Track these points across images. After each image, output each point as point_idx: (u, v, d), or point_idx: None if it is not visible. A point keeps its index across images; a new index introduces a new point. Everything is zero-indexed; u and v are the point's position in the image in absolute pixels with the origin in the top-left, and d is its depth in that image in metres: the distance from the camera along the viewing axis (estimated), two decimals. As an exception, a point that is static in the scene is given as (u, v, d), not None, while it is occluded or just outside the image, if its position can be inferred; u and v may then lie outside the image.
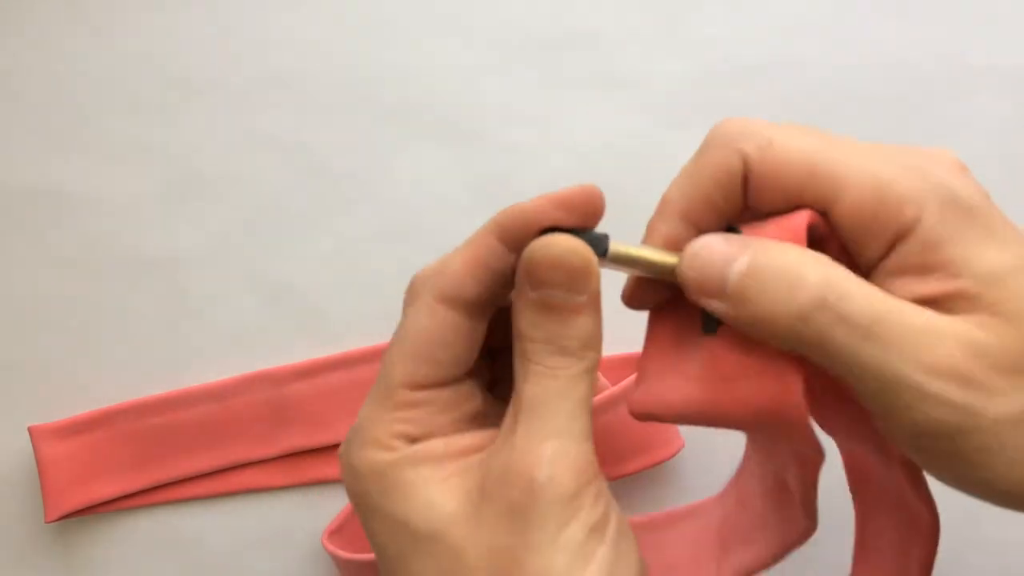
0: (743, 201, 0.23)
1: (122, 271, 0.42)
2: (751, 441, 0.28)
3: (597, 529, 0.20)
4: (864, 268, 0.22)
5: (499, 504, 0.20)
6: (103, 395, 0.41)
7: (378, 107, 0.42)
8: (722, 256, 0.21)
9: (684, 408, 0.22)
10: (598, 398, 0.37)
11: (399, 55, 0.43)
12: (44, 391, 0.41)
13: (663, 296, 0.24)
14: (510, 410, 0.22)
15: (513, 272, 0.22)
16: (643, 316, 0.25)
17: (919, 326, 0.19)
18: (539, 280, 0.21)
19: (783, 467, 0.25)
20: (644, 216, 0.24)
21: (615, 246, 0.22)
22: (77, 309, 0.41)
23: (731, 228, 0.23)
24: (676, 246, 0.23)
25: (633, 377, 0.29)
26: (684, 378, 0.22)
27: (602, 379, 0.38)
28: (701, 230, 0.23)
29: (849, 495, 0.27)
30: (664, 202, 0.23)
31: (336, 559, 0.38)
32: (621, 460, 0.38)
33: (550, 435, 0.21)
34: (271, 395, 0.40)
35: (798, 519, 0.25)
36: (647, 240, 0.23)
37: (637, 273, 0.23)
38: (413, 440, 0.22)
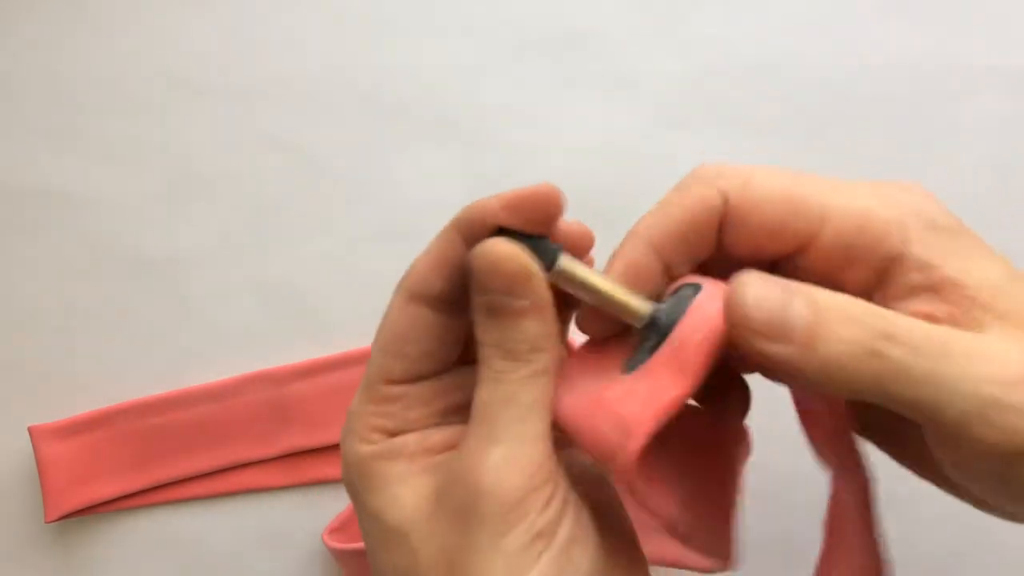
0: (714, 243, 0.23)
1: (122, 271, 0.42)
2: None
3: (543, 535, 0.20)
4: (850, 291, 0.22)
5: (450, 506, 0.21)
6: (103, 395, 0.41)
7: (378, 107, 0.42)
8: (779, 298, 0.19)
9: (556, 411, 0.22)
10: None
11: (399, 55, 0.43)
12: (44, 391, 0.41)
13: (613, 330, 0.23)
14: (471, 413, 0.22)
15: None
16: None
17: (972, 344, 0.19)
18: (481, 285, 0.21)
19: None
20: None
21: (565, 263, 0.21)
22: (77, 309, 0.41)
23: (691, 285, 0.22)
24: (638, 274, 0.22)
25: None
26: (577, 388, 0.22)
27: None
28: (667, 264, 0.23)
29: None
30: (633, 231, 0.23)
31: (335, 552, 0.39)
32: None
33: (497, 440, 0.21)
34: (271, 395, 0.40)
35: None
36: (610, 265, 0.23)
37: (587, 299, 0.22)
38: (391, 434, 0.23)
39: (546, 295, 0.21)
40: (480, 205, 0.21)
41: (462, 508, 0.20)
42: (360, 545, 0.38)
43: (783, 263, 0.24)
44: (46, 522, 0.39)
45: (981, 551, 0.40)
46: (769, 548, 0.37)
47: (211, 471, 0.40)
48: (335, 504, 0.40)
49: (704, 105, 0.42)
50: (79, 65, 0.42)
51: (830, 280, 0.22)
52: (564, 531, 0.21)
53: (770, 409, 0.25)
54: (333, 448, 0.40)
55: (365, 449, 0.22)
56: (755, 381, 0.24)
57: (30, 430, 0.39)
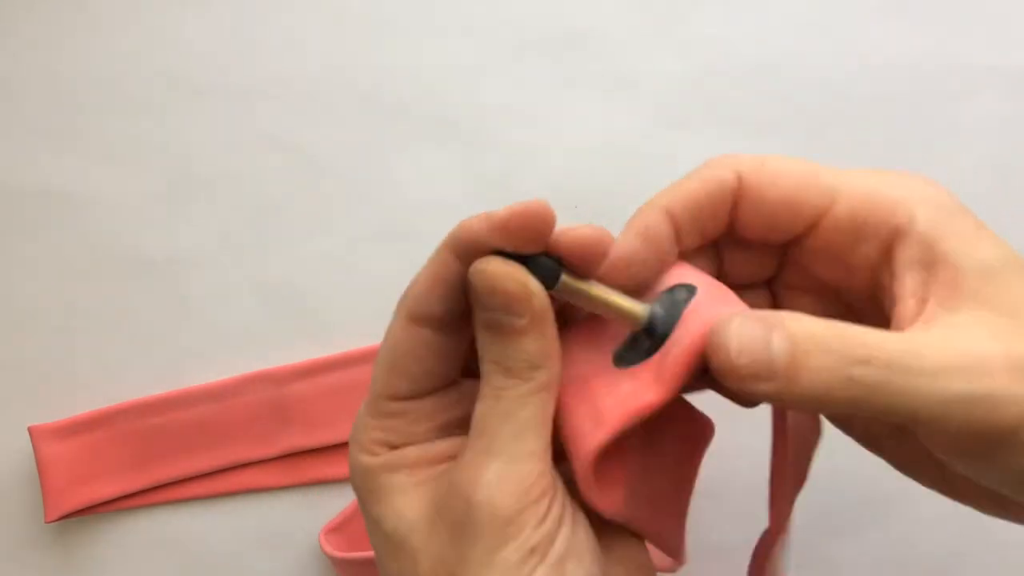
0: (726, 222, 0.24)
1: (122, 271, 0.42)
2: None
3: (537, 551, 0.20)
4: (859, 269, 0.23)
5: (448, 518, 0.21)
6: (103, 395, 0.41)
7: (378, 107, 0.42)
8: (761, 337, 0.19)
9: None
10: None
11: (399, 55, 0.43)
12: (44, 391, 0.41)
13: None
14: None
15: None
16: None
17: (942, 343, 0.19)
18: (480, 302, 0.21)
19: None
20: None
21: (567, 281, 0.21)
22: (77, 309, 0.41)
23: (685, 286, 0.23)
24: (649, 237, 0.23)
25: None
26: (567, 364, 0.23)
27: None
28: (678, 232, 0.23)
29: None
30: (648, 201, 0.23)
31: (331, 559, 0.39)
32: None
33: (493, 456, 0.21)
34: (271, 395, 0.40)
35: None
36: (625, 228, 0.23)
37: (586, 307, 0.22)
38: (393, 447, 0.23)
39: (545, 312, 0.21)
40: (470, 227, 0.21)
41: (459, 521, 0.21)
42: (356, 555, 0.38)
43: (792, 247, 0.24)
44: (46, 522, 0.39)
45: (981, 551, 0.40)
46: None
47: (211, 471, 0.40)
48: (335, 504, 0.40)
49: (704, 105, 0.42)
50: (79, 65, 0.42)
51: (839, 259, 0.23)
52: (559, 545, 0.21)
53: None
54: (333, 448, 0.40)
55: (368, 461, 0.23)
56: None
57: (30, 430, 0.39)
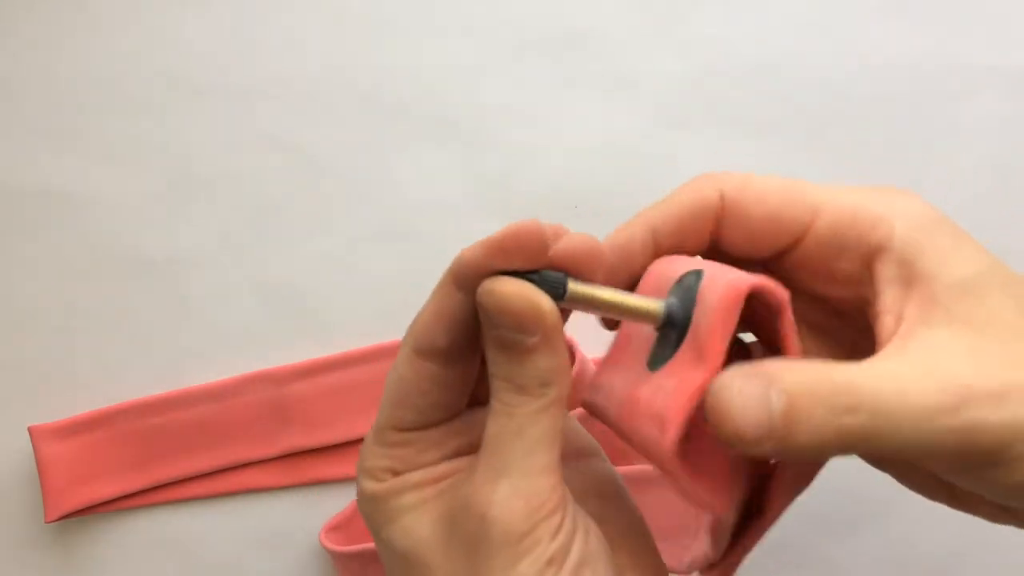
0: (707, 239, 0.24)
1: (122, 271, 0.42)
2: None
3: (553, 563, 0.21)
4: (843, 283, 0.23)
5: (462, 535, 0.21)
6: (103, 395, 0.41)
7: (378, 107, 0.42)
8: (762, 396, 0.19)
9: (605, 420, 0.23)
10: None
11: (399, 55, 0.43)
12: (44, 391, 0.41)
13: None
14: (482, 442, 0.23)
15: None
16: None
17: (924, 377, 0.19)
18: (491, 322, 0.21)
19: None
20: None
21: (575, 288, 0.22)
22: (77, 309, 0.41)
23: (692, 272, 0.23)
24: (628, 250, 0.24)
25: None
26: (614, 394, 0.23)
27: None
28: (661, 247, 0.24)
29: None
30: (632, 217, 0.24)
31: (332, 553, 0.39)
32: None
33: (504, 473, 0.21)
34: (271, 395, 0.40)
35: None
36: (610, 239, 0.24)
37: (601, 313, 0.23)
38: (399, 474, 0.23)
39: (556, 328, 0.22)
40: (468, 256, 0.21)
41: (473, 538, 0.21)
42: (356, 547, 0.38)
43: (775, 264, 0.24)
44: (46, 522, 0.39)
45: (981, 551, 0.40)
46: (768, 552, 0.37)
47: (211, 471, 0.40)
48: (335, 504, 0.40)
49: (704, 105, 0.42)
50: (79, 65, 0.42)
51: (820, 275, 0.23)
52: (574, 555, 0.21)
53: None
54: (333, 448, 0.41)
55: (375, 487, 0.23)
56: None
57: (30, 430, 0.40)
